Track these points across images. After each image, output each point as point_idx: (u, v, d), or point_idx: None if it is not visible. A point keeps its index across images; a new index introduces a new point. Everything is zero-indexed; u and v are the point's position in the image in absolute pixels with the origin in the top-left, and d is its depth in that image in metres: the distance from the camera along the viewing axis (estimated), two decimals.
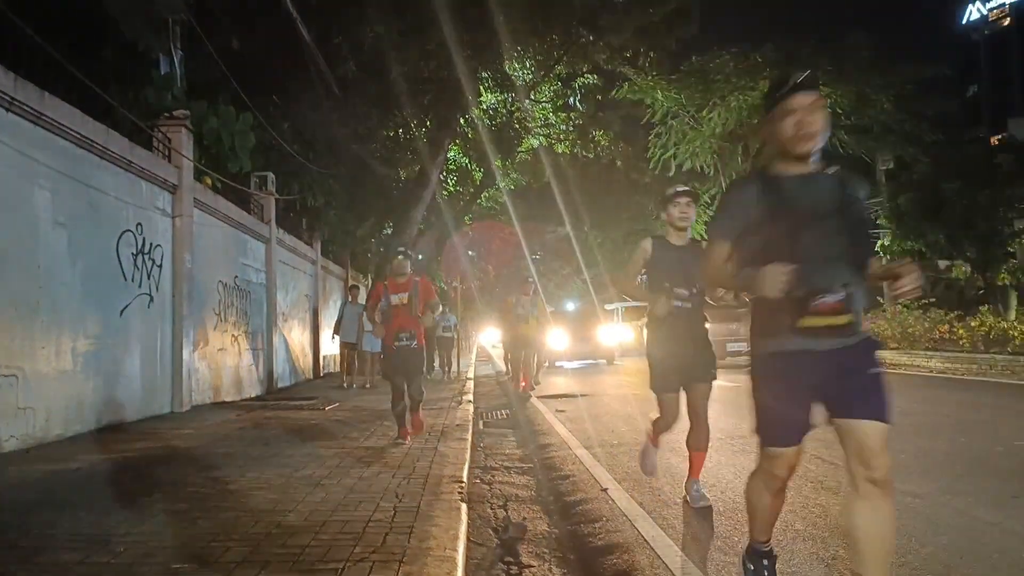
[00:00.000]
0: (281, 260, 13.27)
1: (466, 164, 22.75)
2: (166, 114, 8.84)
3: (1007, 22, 63.46)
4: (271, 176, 12.64)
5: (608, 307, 26.88)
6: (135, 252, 7.86)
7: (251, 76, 11.60)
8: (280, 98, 13.21)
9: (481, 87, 18.43)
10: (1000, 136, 38.95)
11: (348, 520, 3.64)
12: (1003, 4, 64.15)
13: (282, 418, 8.15)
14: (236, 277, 11.01)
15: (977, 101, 54.42)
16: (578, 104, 21.20)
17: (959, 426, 6.72)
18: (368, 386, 12.34)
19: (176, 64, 10.07)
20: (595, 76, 21.24)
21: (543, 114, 21.16)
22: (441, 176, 19.87)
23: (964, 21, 66.23)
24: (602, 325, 20.78)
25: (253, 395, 11.32)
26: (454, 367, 15.97)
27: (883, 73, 21.52)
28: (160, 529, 3.54)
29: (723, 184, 25.20)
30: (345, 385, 12.56)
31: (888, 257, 28.07)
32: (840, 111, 21.88)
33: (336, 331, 13.13)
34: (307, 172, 13.79)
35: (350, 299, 13.39)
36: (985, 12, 65.65)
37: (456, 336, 16.37)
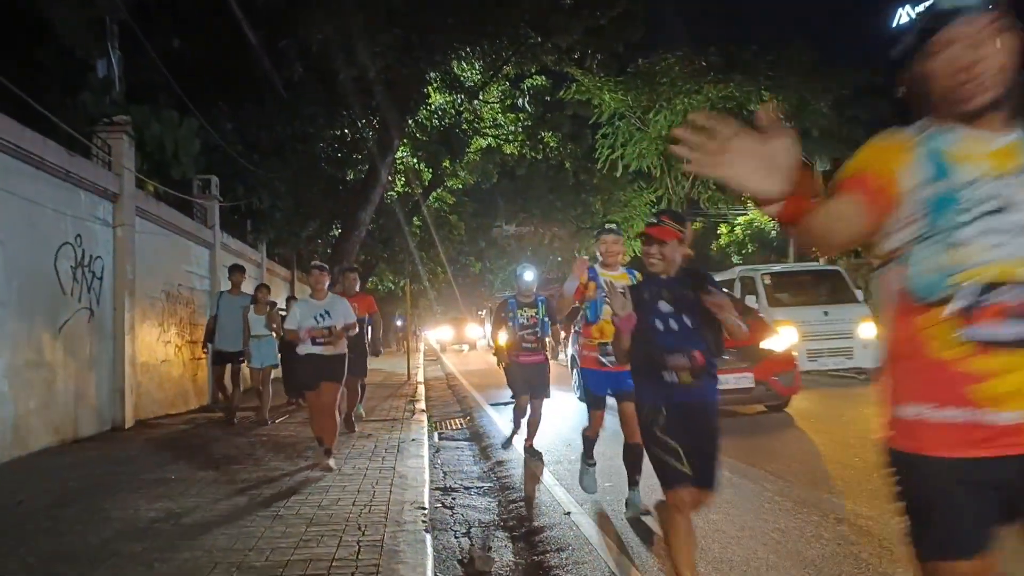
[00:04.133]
0: (225, 265, 12.90)
1: (415, 164, 22.57)
2: (106, 120, 8.48)
3: None
4: (215, 179, 12.26)
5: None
6: (74, 265, 7.55)
7: (194, 77, 11.23)
8: (225, 99, 12.83)
9: (430, 88, 18.29)
10: None
11: (311, 559, 3.58)
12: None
13: (229, 433, 7.95)
14: (180, 285, 10.68)
15: (906, 102, 56.67)
16: (527, 106, 21.23)
17: None
18: (269, 421, 8.46)
19: (115, 66, 9.65)
20: (543, 77, 21.32)
21: (492, 115, 21.13)
22: (389, 177, 19.66)
23: (894, 24, 68.76)
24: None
25: (199, 405, 11.00)
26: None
27: (822, 79, 22.20)
28: None
29: (669, 185, 25.60)
30: (228, 418, 8.61)
31: (825, 258, 29.00)
32: (782, 116, 22.47)
33: (208, 337, 8.86)
34: (252, 174, 13.44)
35: (231, 287, 8.93)
36: (914, 15, 68.34)
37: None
